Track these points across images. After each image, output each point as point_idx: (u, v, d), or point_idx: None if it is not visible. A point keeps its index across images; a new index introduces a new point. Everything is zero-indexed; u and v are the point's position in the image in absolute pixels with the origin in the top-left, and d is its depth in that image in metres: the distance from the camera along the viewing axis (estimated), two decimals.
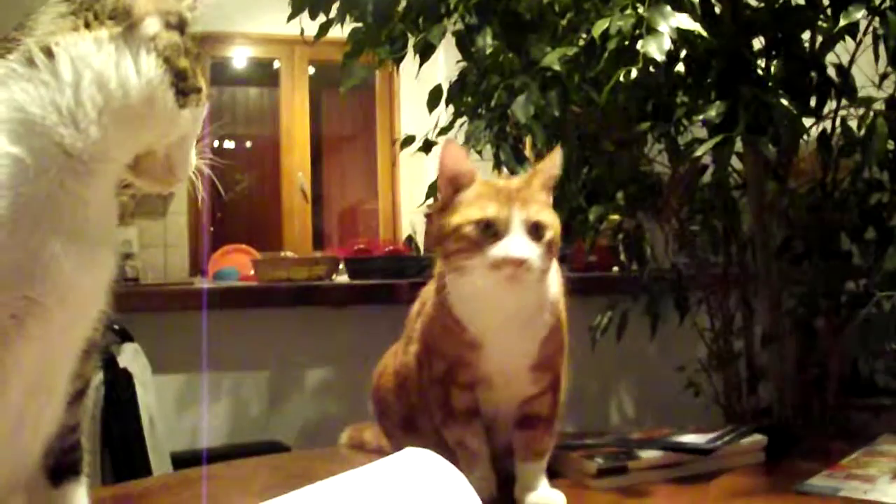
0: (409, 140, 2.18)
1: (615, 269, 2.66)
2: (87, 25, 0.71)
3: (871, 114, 1.50)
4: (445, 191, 1.11)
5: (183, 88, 0.75)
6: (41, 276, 0.67)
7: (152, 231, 5.25)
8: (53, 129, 0.68)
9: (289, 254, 3.07)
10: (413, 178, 4.41)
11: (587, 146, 1.84)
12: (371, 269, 2.70)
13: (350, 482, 0.85)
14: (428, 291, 1.27)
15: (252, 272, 4.30)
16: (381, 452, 1.45)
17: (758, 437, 1.34)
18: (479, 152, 1.66)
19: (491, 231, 1.04)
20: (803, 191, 1.79)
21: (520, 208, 1.05)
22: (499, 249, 1.04)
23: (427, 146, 2.13)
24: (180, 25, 0.77)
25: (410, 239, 3.47)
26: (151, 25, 0.74)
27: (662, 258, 2.06)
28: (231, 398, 2.54)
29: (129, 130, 0.73)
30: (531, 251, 1.04)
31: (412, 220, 5.66)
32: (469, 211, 1.06)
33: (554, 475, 1.23)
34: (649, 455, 1.28)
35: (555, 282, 1.14)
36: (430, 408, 1.22)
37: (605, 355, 2.04)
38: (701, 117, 1.44)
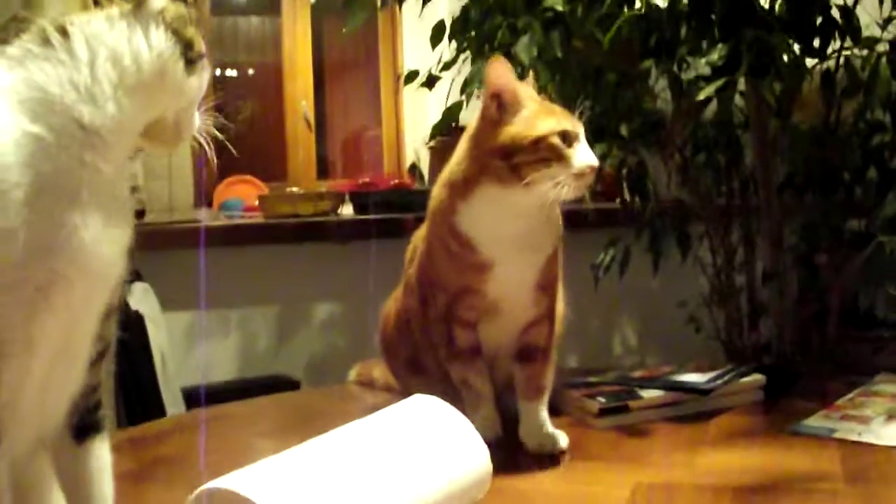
0: (412, 75, 2.18)
1: (618, 201, 2.66)
2: (97, 3, 0.72)
3: (875, 55, 1.50)
4: (491, 106, 1.11)
5: (190, 57, 0.77)
6: (64, 248, 0.69)
7: (157, 163, 5.26)
8: (73, 107, 0.69)
9: (294, 189, 3.08)
10: (416, 105, 4.39)
11: (590, 81, 1.83)
12: (376, 203, 2.71)
13: (360, 431, 0.88)
14: (419, 236, 1.29)
15: (257, 202, 4.32)
16: (389, 390, 1.49)
17: (756, 377, 1.37)
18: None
19: (567, 142, 1.08)
20: (805, 127, 1.79)
21: (577, 121, 1.11)
22: (584, 157, 1.08)
23: (430, 82, 2.13)
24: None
25: (414, 167, 3.42)
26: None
27: (665, 193, 2.07)
28: (240, 333, 2.58)
29: (143, 102, 0.75)
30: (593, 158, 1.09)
31: (416, 149, 5.66)
32: (546, 123, 1.08)
33: (557, 413, 1.27)
34: (650, 394, 1.31)
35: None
36: (433, 348, 1.25)
37: (608, 291, 2.07)
38: (703, 60, 1.44)
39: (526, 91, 1.14)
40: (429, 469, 0.86)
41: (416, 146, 5.82)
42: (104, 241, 0.72)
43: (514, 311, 1.19)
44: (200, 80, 0.80)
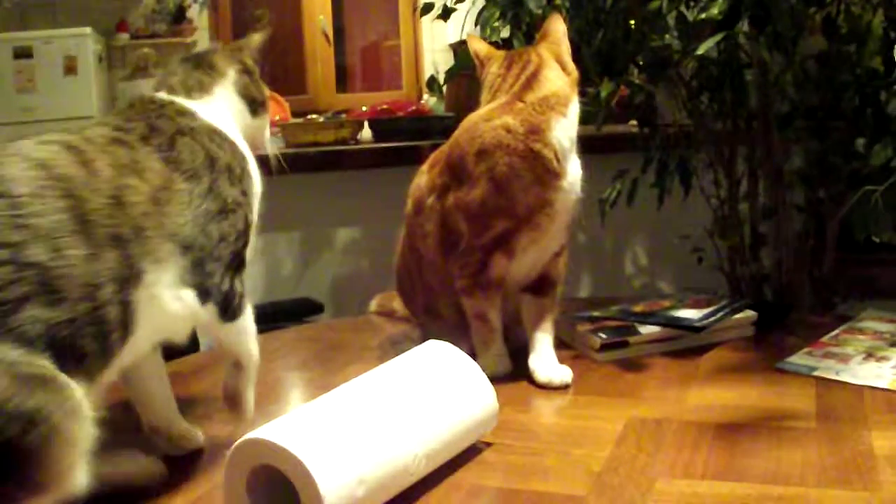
0: (428, 7, 2.24)
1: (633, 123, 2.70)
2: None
3: (871, 7, 1.54)
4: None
5: (254, 108, 1.15)
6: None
7: None
8: None
9: (313, 116, 3.15)
10: (434, 15, 4.39)
11: (602, 13, 1.88)
12: (395, 130, 2.79)
13: (381, 378, 0.99)
14: (418, 186, 1.40)
15: (278, 117, 4.38)
16: (408, 321, 1.59)
17: (748, 313, 1.47)
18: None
19: None
20: (810, 66, 1.83)
21: None
22: None
23: (445, 13, 2.19)
24: (248, 71, 1.17)
25: (433, 80, 3.40)
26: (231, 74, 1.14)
27: (672, 126, 2.14)
28: (265, 258, 2.69)
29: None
30: None
31: (434, 60, 5.68)
32: None
33: (563, 346, 1.38)
34: (648, 330, 1.41)
35: None
36: (451, 288, 1.35)
37: (616, 220, 2.16)
38: (703, 15, 1.50)
39: None
40: (442, 411, 0.97)
41: (434, 57, 5.84)
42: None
43: (560, 230, 1.32)
44: (262, 119, 1.18)
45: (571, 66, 1.34)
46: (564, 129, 1.27)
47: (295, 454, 0.81)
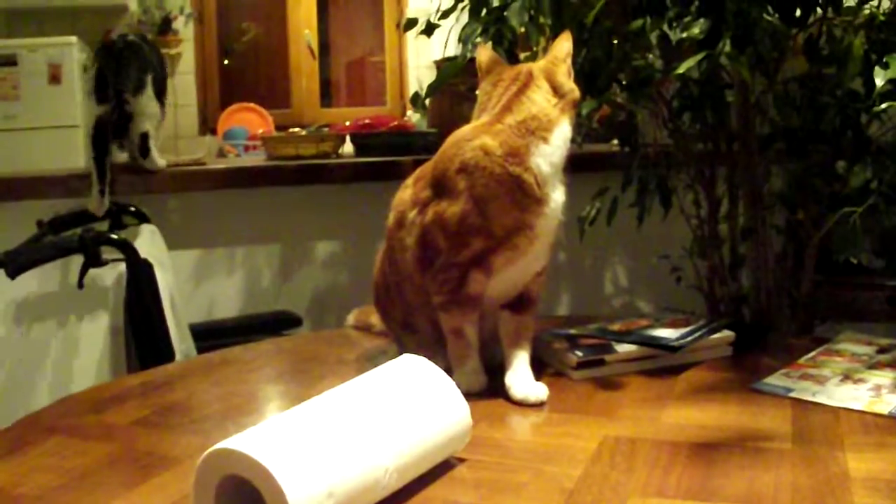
0: (411, 23, 2.24)
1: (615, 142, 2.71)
2: None
3: (852, 29, 1.55)
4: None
5: None
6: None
7: None
8: None
9: (295, 130, 3.15)
10: (418, 31, 4.42)
11: (585, 31, 1.88)
12: (377, 145, 2.78)
13: (353, 391, 0.98)
14: (402, 200, 1.38)
15: (261, 131, 4.37)
16: (385, 335, 1.58)
17: (726, 334, 1.46)
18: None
19: None
20: (792, 88, 1.84)
21: None
22: None
23: (429, 29, 2.19)
24: None
25: (417, 96, 3.39)
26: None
27: (653, 145, 2.14)
28: (244, 271, 2.68)
29: None
30: None
31: (419, 76, 5.69)
32: None
33: (540, 363, 1.38)
34: (624, 349, 1.41)
35: None
36: (428, 303, 1.33)
37: (596, 239, 2.16)
38: (683, 35, 1.50)
39: None
40: (415, 425, 0.96)
41: (418, 73, 5.85)
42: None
43: (541, 252, 1.30)
44: None
45: (569, 86, 1.32)
46: (545, 155, 1.25)
47: (263, 464, 0.80)
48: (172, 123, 5.43)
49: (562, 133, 1.28)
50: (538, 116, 1.27)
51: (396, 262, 1.38)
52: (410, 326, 1.41)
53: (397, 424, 0.94)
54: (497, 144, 1.24)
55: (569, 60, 1.34)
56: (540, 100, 1.28)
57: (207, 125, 5.66)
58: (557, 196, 1.28)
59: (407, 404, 0.98)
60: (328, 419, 0.91)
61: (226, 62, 5.93)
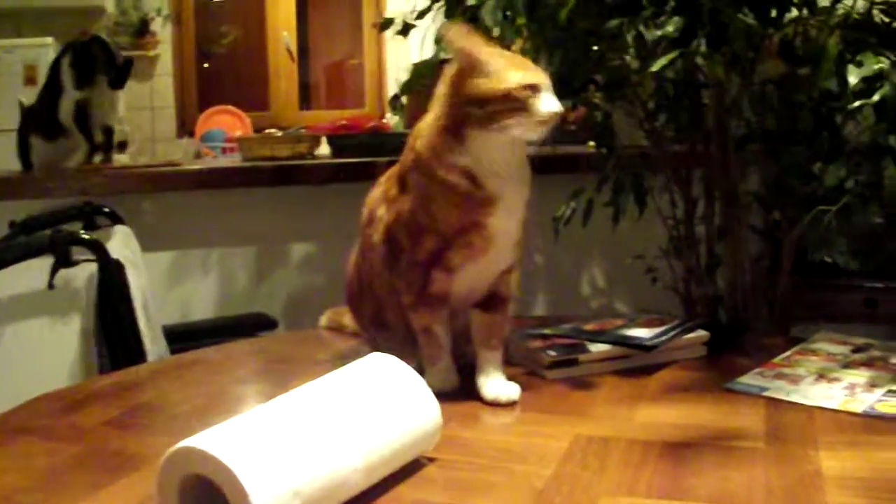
0: (387, 23, 2.23)
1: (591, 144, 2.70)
2: None
3: (827, 30, 1.54)
4: (461, 64, 1.22)
5: None
6: None
7: (139, 93, 5.28)
8: None
9: (271, 131, 3.13)
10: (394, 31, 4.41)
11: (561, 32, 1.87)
12: (353, 146, 2.77)
13: (320, 389, 0.96)
14: (373, 198, 1.36)
15: (238, 133, 4.33)
16: (358, 336, 1.57)
17: (700, 333, 1.46)
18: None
19: (534, 91, 1.18)
20: (769, 89, 1.84)
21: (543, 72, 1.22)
22: (548, 105, 1.19)
23: (405, 29, 2.18)
24: None
25: (396, 98, 3.38)
26: None
27: (630, 146, 2.14)
28: (219, 273, 2.65)
29: None
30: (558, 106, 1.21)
31: (398, 78, 5.68)
32: (516, 75, 1.18)
33: (513, 364, 1.36)
34: (598, 348, 1.39)
35: None
36: (397, 304, 1.32)
37: (573, 240, 2.15)
38: (658, 33, 1.49)
39: (489, 48, 1.23)
40: (384, 424, 0.95)
41: (397, 76, 5.84)
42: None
43: (503, 251, 1.27)
44: None
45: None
46: (475, 154, 1.21)
47: (226, 463, 0.79)
48: (150, 126, 5.40)
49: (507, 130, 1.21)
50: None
51: (369, 259, 1.37)
52: (383, 324, 1.40)
53: (365, 423, 0.93)
54: (426, 144, 1.23)
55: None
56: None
57: (185, 128, 5.62)
58: (512, 194, 1.23)
59: (375, 403, 0.97)
60: (295, 417, 0.89)
61: (206, 66, 5.90)
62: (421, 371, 1.26)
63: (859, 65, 1.41)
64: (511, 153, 1.22)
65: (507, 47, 1.91)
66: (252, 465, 0.80)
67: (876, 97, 1.40)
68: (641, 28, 1.73)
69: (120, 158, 2.70)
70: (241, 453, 0.80)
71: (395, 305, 1.33)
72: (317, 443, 0.87)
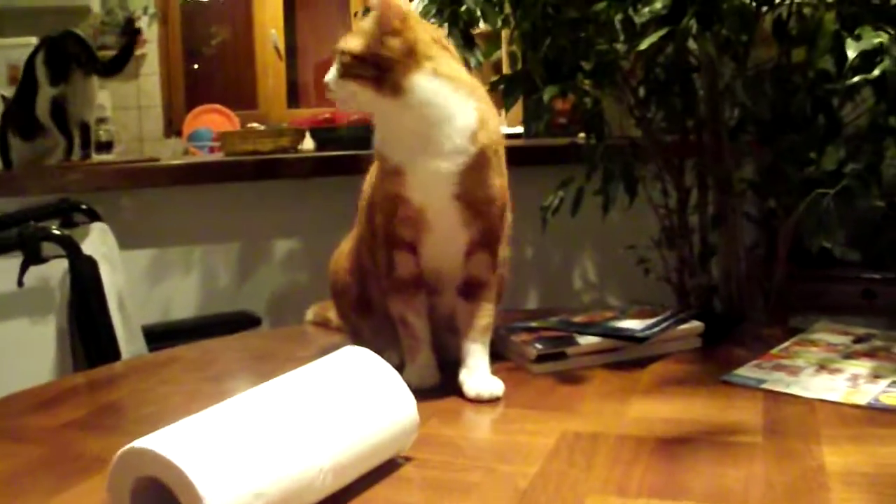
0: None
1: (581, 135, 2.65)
2: None
3: (823, 6, 1.48)
4: None
5: None
6: None
7: (125, 93, 5.21)
8: None
9: (254, 125, 3.07)
10: None
11: (549, 19, 1.81)
12: (336, 139, 2.72)
13: (289, 384, 0.90)
14: (367, 181, 1.32)
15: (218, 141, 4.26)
16: (343, 331, 1.51)
17: (695, 324, 1.39)
18: None
19: None
20: (765, 65, 1.78)
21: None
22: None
23: None
24: None
25: None
26: None
27: (619, 134, 2.08)
28: (201, 270, 2.59)
29: None
30: (330, 76, 1.17)
31: None
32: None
33: (499, 357, 1.30)
34: (587, 341, 1.33)
35: (465, 113, 1.16)
36: (380, 282, 1.27)
37: (562, 231, 2.09)
38: (646, 10, 1.43)
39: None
40: (354, 422, 0.88)
41: None
42: None
43: (443, 224, 1.20)
44: None
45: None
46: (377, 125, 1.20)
47: (177, 464, 0.72)
48: (137, 126, 5.33)
49: (367, 100, 1.15)
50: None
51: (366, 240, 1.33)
52: (366, 305, 1.34)
53: (334, 421, 0.87)
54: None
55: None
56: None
57: (173, 127, 5.55)
58: (424, 167, 1.15)
59: (346, 399, 0.91)
60: (256, 415, 0.83)
61: (195, 66, 5.83)
62: (403, 365, 1.21)
63: (857, 38, 1.35)
64: (412, 122, 1.14)
65: (496, 34, 1.86)
66: (207, 465, 0.73)
67: (876, 72, 1.34)
68: (630, 11, 1.67)
69: (106, 158, 2.66)
70: (195, 454, 0.74)
71: (378, 284, 1.29)
72: (280, 442, 0.80)
